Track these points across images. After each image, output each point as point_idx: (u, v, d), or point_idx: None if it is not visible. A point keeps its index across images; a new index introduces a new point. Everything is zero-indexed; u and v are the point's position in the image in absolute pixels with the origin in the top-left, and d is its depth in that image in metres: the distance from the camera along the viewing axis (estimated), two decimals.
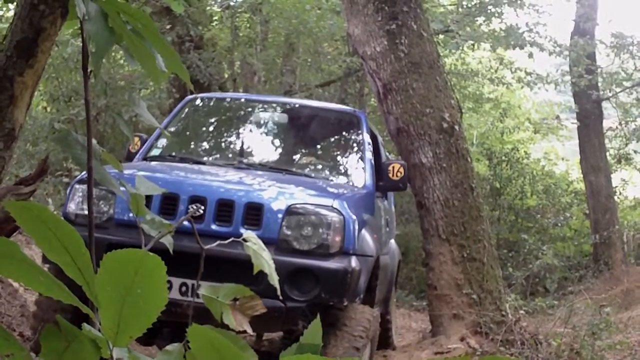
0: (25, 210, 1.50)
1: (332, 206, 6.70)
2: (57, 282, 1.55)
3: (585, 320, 10.48)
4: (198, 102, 9.65)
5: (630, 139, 23.03)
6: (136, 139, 8.47)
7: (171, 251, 2.49)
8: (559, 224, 21.97)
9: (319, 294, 6.37)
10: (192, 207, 6.29)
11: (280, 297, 5.87)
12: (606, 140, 22.57)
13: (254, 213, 6.60)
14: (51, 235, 1.51)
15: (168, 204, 6.53)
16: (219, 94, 12.65)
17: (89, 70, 2.03)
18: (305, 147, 9.23)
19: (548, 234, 21.49)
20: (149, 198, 6.14)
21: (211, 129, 9.36)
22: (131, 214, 5.95)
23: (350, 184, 8.20)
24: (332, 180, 8.30)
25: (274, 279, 2.49)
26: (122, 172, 2.61)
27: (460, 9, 19.61)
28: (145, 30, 2.00)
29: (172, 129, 8.91)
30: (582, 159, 21.70)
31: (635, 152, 23.71)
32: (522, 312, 10.67)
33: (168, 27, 16.26)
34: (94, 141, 2.13)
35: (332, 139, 9.42)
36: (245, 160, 8.43)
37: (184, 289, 6.28)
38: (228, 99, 10.18)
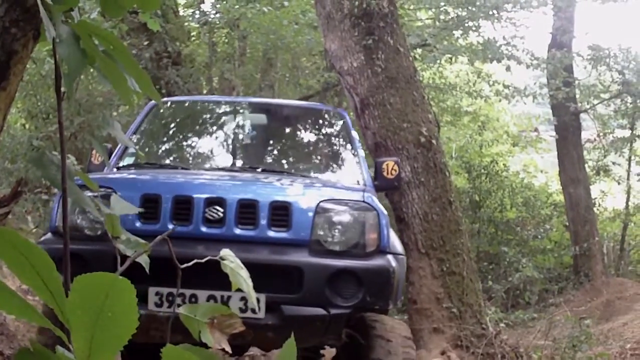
0: None
1: (363, 201, 6.23)
2: (30, 305, 1.55)
3: (566, 332, 10.54)
4: (165, 106, 8.94)
5: (608, 150, 23.17)
6: None
7: (147, 270, 2.48)
8: (539, 236, 22.04)
9: (364, 298, 5.83)
10: (210, 211, 6.11)
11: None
12: (585, 152, 22.68)
13: (281, 213, 6.05)
14: (23, 259, 1.51)
15: (181, 209, 6.00)
16: (187, 97, 12.28)
17: (62, 91, 2.03)
18: (294, 147, 8.79)
19: (528, 246, 21.53)
20: (157, 203, 5.96)
21: (187, 133, 8.76)
22: (130, 223, 5.78)
23: (354, 183, 7.50)
24: (331, 180, 7.65)
25: (252, 298, 2.49)
26: (98, 192, 2.58)
27: (437, 23, 19.64)
28: (117, 52, 2.01)
29: (140, 137, 8.26)
30: (561, 171, 21.78)
31: (613, 163, 23.83)
32: (502, 325, 10.71)
33: (146, 43, 16.23)
34: (68, 161, 2.13)
35: (320, 138, 8.94)
36: (237, 164, 8.04)
37: (211, 302, 5.57)
38: (198, 102, 9.63)
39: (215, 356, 1.78)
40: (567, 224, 21.77)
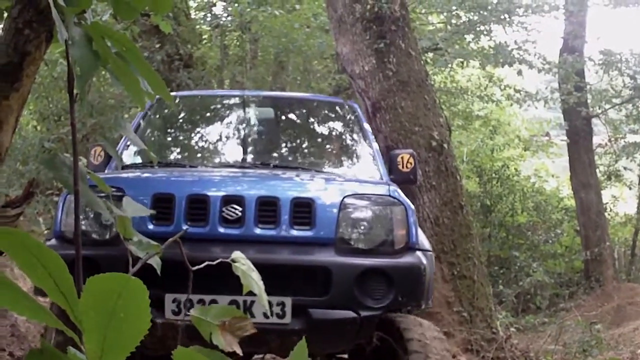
0: (8, 236, 1.50)
1: (389, 195, 5.86)
2: (42, 306, 1.55)
3: (576, 337, 10.50)
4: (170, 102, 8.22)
5: (620, 155, 23.10)
6: (99, 148, 7.26)
7: (159, 272, 2.47)
8: (550, 241, 21.99)
9: (395, 298, 5.48)
10: (227, 210, 5.89)
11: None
12: (596, 157, 22.65)
13: (304, 210, 5.66)
14: (35, 261, 1.51)
15: (196, 208, 5.62)
16: (194, 92, 12.01)
17: (74, 93, 2.03)
18: (306, 141, 8.35)
19: (539, 251, 21.48)
20: (170, 203, 5.62)
21: (193, 129, 8.39)
22: (142, 225, 5.52)
23: (369, 177, 7.05)
24: (348, 174, 7.19)
25: (264, 301, 2.47)
26: (109, 192, 2.56)
27: (449, 27, 19.66)
28: (129, 53, 2.01)
29: (143, 134, 7.69)
30: (572, 176, 21.77)
31: (625, 168, 23.78)
32: (512, 329, 10.69)
33: (157, 45, 16.23)
34: (80, 163, 2.13)
35: (333, 131, 8.52)
36: (248, 160, 7.45)
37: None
38: (204, 96, 9.36)
39: (226, 359, 1.77)
40: (578, 228, 21.74)
